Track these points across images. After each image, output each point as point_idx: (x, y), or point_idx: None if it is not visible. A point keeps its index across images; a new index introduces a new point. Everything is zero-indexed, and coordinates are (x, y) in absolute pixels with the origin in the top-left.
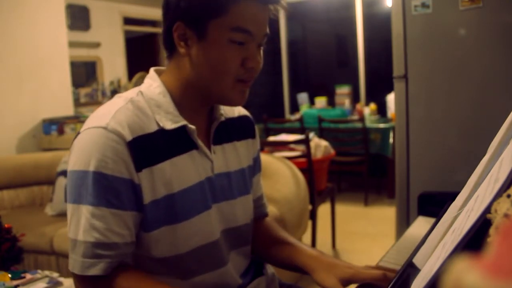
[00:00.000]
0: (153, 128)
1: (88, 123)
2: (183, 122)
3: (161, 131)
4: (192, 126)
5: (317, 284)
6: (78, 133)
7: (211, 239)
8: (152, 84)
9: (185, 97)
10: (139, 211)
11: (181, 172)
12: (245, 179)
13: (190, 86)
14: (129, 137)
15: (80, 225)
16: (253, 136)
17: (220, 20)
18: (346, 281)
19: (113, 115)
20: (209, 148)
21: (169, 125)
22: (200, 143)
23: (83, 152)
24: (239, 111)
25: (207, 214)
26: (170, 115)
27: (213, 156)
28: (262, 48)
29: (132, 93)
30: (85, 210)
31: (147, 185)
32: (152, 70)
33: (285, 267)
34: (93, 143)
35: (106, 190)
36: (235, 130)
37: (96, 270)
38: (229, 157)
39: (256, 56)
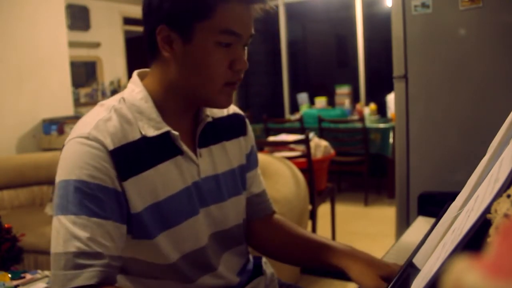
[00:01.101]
0: (137, 136)
1: (71, 134)
2: (166, 128)
3: (144, 138)
4: (175, 132)
5: (355, 283)
6: (63, 145)
7: (199, 245)
8: (134, 89)
9: (168, 101)
10: (122, 222)
11: (166, 179)
12: (235, 179)
13: (174, 90)
14: (111, 146)
15: (60, 236)
16: (244, 133)
17: (206, 23)
18: (383, 279)
19: (94, 125)
20: (195, 152)
21: (151, 132)
22: (185, 148)
23: (65, 162)
24: (229, 109)
25: (194, 219)
26: (152, 122)
27: (199, 160)
28: (246, 48)
29: (114, 100)
30: (66, 220)
31: (133, 194)
32: (135, 74)
33: (311, 265)
34: (75, 152)
35: (88, 198)
36: (224, 130)
37: (80, 280)
38: (217, 159)
39: (243, 57)
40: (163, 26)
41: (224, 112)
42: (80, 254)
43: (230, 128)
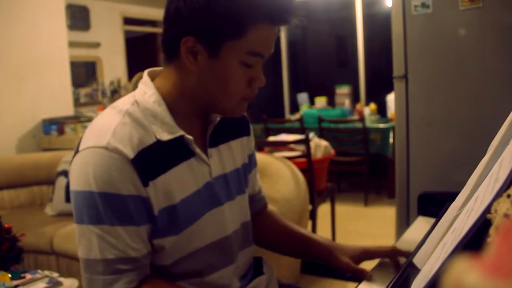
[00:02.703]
0: (152, 140)
1: (87, 142)
2: (179, 132)
3: (159, 142)
4: (189, 137)
5: (333, 267)
6: (77, 151)
7: (220, 236)
8: (147, 91)
9: (181, 105)
10: (150, 223)
11: (181, 181)
12: (240, 178)
13: (190, 96)
14: (131, 155)
15: (93, 244)
16: (248, 133)
17: (235, 42)
18: (357, 258)
19: (112, 133)
20: (206, 152)
21: (165, 137)
22: (197, 150)
23: (86, 171)
24: None
25: (204, 220)
26: (166, 126)
27: (210, 160)
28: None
29: (126, 103)
30: (98, 230)
31: (153, 197)
32: (145, 74)
33: (298, 256)
34: (96, 164)
35: (116, 208)
36: (230, 129)
37: (120, 284)
38: (225, 158)
39: (262, 75)
40: (190, 37)
41: None
42: (119, 260)
43: (235, 128)
